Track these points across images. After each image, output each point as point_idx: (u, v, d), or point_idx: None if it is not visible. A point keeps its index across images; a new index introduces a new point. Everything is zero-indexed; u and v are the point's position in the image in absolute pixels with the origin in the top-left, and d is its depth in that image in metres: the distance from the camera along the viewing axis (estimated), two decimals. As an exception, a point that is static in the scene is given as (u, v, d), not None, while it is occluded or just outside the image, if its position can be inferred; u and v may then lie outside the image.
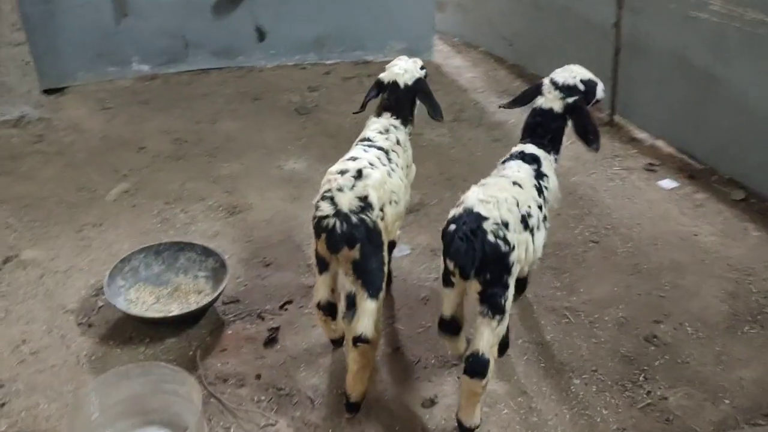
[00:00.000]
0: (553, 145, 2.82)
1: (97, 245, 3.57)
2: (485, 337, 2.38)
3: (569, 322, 3.10)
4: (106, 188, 4.08)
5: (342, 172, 2.52)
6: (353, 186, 2.47)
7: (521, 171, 2.65)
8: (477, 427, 2.52)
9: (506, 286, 2.38)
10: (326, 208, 2.42)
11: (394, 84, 2.94)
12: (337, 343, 2.94)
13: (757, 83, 3.90)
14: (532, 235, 2.52)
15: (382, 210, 2.54)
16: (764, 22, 3.79)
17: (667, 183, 4.25)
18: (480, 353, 2.37)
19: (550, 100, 2.80)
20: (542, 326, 3.07)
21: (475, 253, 2.30)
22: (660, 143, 4.62)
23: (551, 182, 2.76)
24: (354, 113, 3.13)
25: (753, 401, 2.70)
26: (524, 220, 2.48)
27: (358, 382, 2.58)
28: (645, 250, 3.60)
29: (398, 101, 2.94)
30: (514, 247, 2.36)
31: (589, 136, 2.77)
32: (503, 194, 2.46)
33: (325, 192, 2.48)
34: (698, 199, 4.06)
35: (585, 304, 3.20)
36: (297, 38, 5.87)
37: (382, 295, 2.51)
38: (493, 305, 2.37)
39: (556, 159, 2.85)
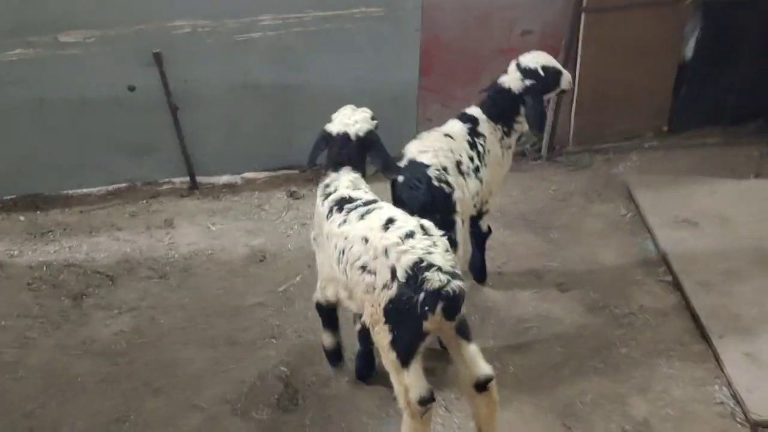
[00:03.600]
0: (503, 120, 3.02)
1: None
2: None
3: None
4: None
5: (409, 236, 2.21)
6: (434, 243, 2.21)
7: (454, 127, 2.94)
8: None
9: (454, 222, 2.70)
10: (438, 277, 2.11)
11: (345, 135, 2.67)
12: None
13: (334, 71, 4.04)
14: (465, 179, 2.82)
15: None
16: (325, 18, 3.88)
17: (328, 196, 4.16)
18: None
19: (510, 80, 2.99)
20: None
21: (426, 198, 2.63)
22: (257, 174, 4.29)
23: (490, 144, 2.98)
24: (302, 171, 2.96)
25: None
26: (457, 166, 2.80)
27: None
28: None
29: (351, 154, 2.66)
30: (454, 188, 2.70)
31: (536, 121, 3.00)
32: (438, 143, 2.79)
33: (417, 263, 2.13)
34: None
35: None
36: None
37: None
38: (454, 241, 2.63)
39: (505, 131, 3.04)
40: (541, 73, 2.98)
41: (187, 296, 3.35)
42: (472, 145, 2.93)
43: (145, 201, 4.06)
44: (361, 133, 2.66)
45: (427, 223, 2.30)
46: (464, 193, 2.79)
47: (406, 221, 2.29)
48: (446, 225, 2.63)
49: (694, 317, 3.18)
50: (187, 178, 4.18)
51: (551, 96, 3.15)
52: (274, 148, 4.23)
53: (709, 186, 4.14)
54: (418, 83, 4.15)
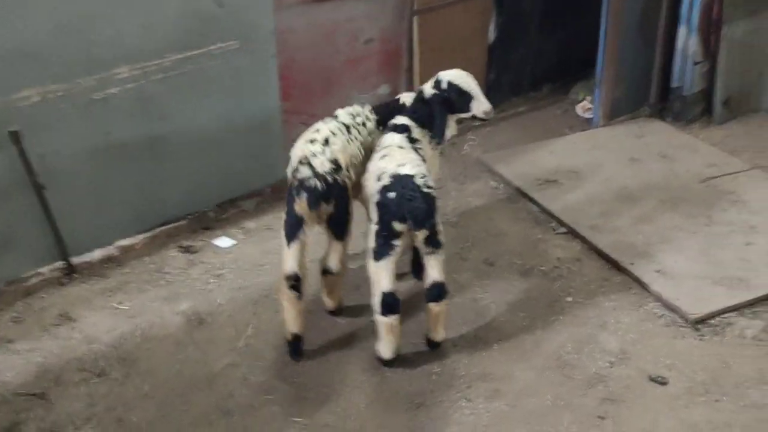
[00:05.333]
0: (426, 124, 3.19)
1: None
2: (438, 267, 2.98)
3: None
4: None
5: (312, 141, 3.01)
6: (323, 151, 2.96)
7: (395, 138, 3.11)
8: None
9: (439, 223, 2.96)
10: (306, 171, 2.91)
11: (396, 100, 3.41)
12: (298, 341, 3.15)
13: (199, 113, 3.85)
14: None
15: (348, 170, 3.04)
16: (185, 59, 3.66)
17: (225, 241, 3.94)
18: (440, 281, 2.99)
19: (425, 87, 3.22)
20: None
21: (425, 204, 2.83)
22: (134, 239, 3.87)
23: (425, 148, 3.17)
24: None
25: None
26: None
27: (332, 298, 3.32)
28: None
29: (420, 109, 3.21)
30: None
31: (435, 129, 3.19)
32: (406, 156, 3.00)
33: (302, 159, 2.95)
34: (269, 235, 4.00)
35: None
36: None
37: (348, 237, 3.15)
38: (438, 242, 2.95)
39: (432, 136, 3.20)
40: (445, 86, 3.15)
41: (144, 383, 2.99)
42: (416, 151, 3.09)
43: (21, 301, 3.46)
44: (402, 100, 3.35)
45: (332, 138, 3.02)
46: None
47: (321, 132, 3.05)
48: (435, 228, 2.91)
49: (601, 255, 3.72)
50: (57, 264, 3.65)
51: (463, 117, 3.27)
52: (148, 206, 3.88)
53: (545, 148, 4.77)
54: (280, 108, 4.13)
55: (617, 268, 3.63)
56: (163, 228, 3.97)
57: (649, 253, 3.66)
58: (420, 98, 3.21)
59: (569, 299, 3.44)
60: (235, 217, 4.13)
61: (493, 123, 5.16)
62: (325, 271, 3.19)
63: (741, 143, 4.74)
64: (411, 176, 2.85)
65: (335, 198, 2.96)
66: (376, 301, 2.96)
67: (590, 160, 4.58)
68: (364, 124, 3.24)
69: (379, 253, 2.91)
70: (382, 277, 2.92)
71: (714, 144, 4.72)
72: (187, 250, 3.87)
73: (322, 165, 2.92)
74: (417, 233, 2.88)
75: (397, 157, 2.96)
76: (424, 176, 2.88)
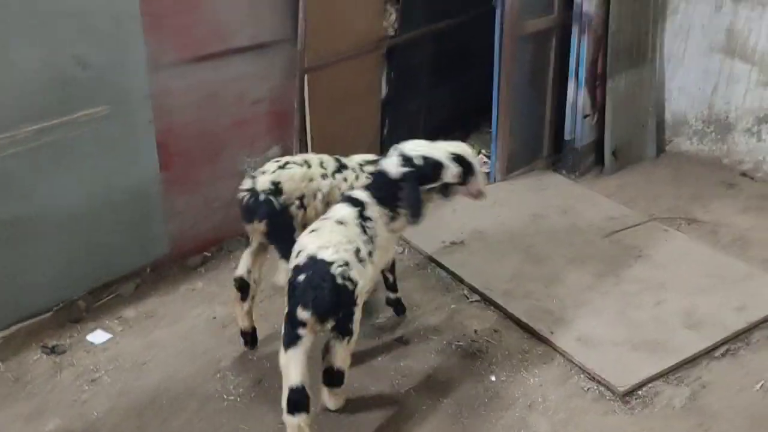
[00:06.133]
0: (387, 203, 2.90)
1: None
2: (340, 355, 2.73)
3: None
4: None
5: (276, 161, 3.12)
6: (272, 171, 3.03)
7: (344, 211, 2.84)
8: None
9: (354, 314, 2.68)
10: (246, 184, 3.04)
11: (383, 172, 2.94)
12: (247, 335, 3.30)
13: (65, 189, 3.34)
14: (364, 266, 2.72)
15: (301, 201, 3.05)
16: (44, 130, 3.15)
17: (99, 336, 3.39)
18: (336, 368, 2.75)
19: (389, 164, 2.91)
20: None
21: (332, 297, 2.54)
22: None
23: (378, 228, 2.85)
24: None
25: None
26: (356, 254, 2.69)
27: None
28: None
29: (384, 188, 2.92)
30: (357, 282, 2.63)
31: (410, 208, 2.90)
32: (336, 237, 2.67)
33: (254, 173, 3.07)
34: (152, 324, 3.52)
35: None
36: None
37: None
38: (345, 331, 2.67)
39: (390, 216, 2.90)
40: (419, 162, 2.88)
41: None
42: (363, 230, 2.80)
43: None
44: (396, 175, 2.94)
45: (291, 164, 3.08)
46: (365, 280, 2.69)
47: (295, 157, 3.20)
48: (347, 318, 2.65)
49: (519, 324, 3.53)
50: None
51: (435, 187, 3.00)
52: (3, 298, 3.29)
53: (446, 205, 4.45)
54: (159, 179, 3.68)
55: (537, 337, 3.45)
56: (23, 324, 3.38)
57: (565, 319, 3.51)
58: (381, 174, 2.92)
59: (493, 378, 3.20)
60: (110, 304, 3.61)
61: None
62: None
63: (633, 193, 4.79)
64: (329, 262, 2.55)
65: (267, 218, 2.96)
66: (283, 397, 2.60)
67: (493, 217, 4.44)
68: (356, 178, 3.21)
69: (287, 342, 2.59)
70: (290, 369, 2.58)
71: (609, 195, 4.73)
72: (53, 350, 3.30)
73: (262, 183, 2.98)
74: (322, 325, 2.60)
75: (326, 236, 2.66)
76: (345, 264, 2.58)
